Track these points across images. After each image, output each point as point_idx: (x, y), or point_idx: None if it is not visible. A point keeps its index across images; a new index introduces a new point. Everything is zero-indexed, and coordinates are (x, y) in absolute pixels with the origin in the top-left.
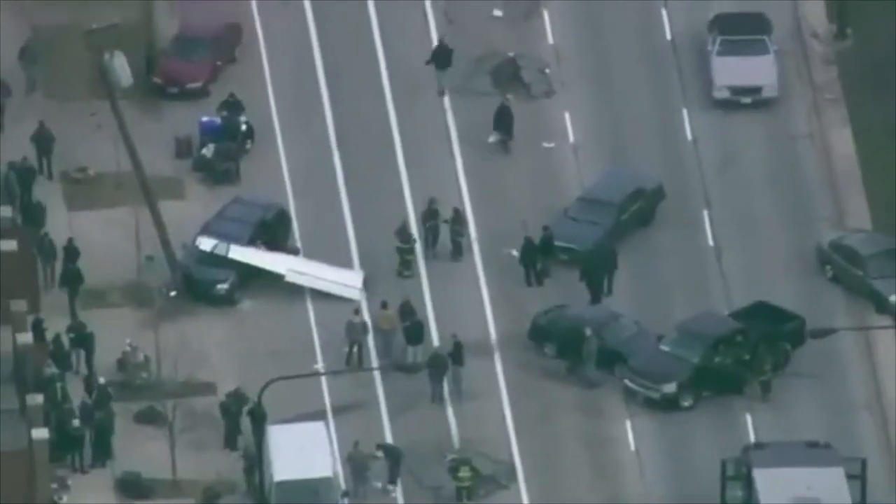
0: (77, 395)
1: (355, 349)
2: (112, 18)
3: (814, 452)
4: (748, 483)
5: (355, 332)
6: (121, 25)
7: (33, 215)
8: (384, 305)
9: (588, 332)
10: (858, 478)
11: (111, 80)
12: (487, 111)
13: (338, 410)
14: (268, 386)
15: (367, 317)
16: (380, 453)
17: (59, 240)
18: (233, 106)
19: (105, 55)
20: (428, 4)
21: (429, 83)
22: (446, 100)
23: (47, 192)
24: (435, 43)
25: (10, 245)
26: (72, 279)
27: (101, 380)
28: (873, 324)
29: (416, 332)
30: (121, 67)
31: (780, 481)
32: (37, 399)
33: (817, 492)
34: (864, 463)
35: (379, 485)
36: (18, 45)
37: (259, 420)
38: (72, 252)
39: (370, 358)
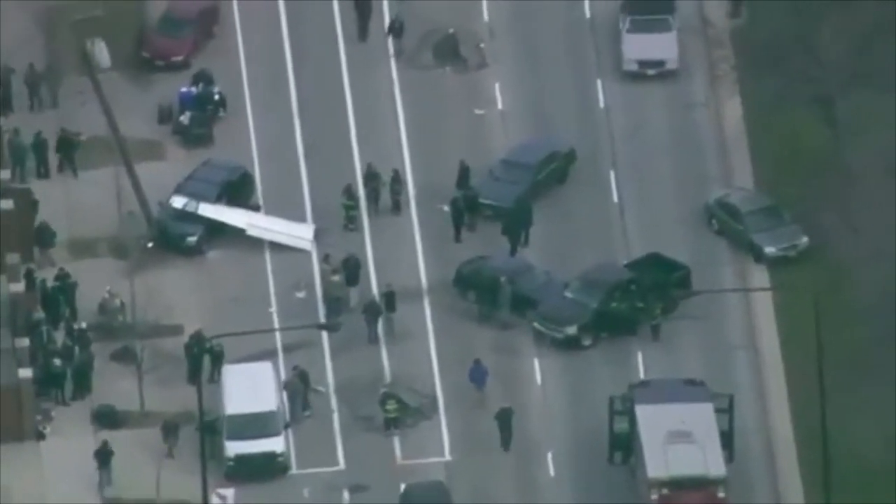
0: (60, 337)
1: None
2: (99, 7)
3: (689, 389)
4: (632, 417)
5: (334, 290)
6: (103, 15)
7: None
8: (326, 259)
9: (502, 280)
10: (727, 411)
11: (93, 63)
12: (430, 83)
13: (287, 349)
14: (223, 336)
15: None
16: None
17: (54, 197)
18: (204, 76)
19: (87, 42)
20: None
21: (381, 60)
22: (394, 74)
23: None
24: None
25: (8, 204)
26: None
27: (83, 324)
28: (752, 272)
29: (353, 276)
30: (100, 52)
31: (658, 416)
32: (23, 341)
33: (689, 425)
34: (731, 399)
35: (307, 413)
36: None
37: (216, 358)
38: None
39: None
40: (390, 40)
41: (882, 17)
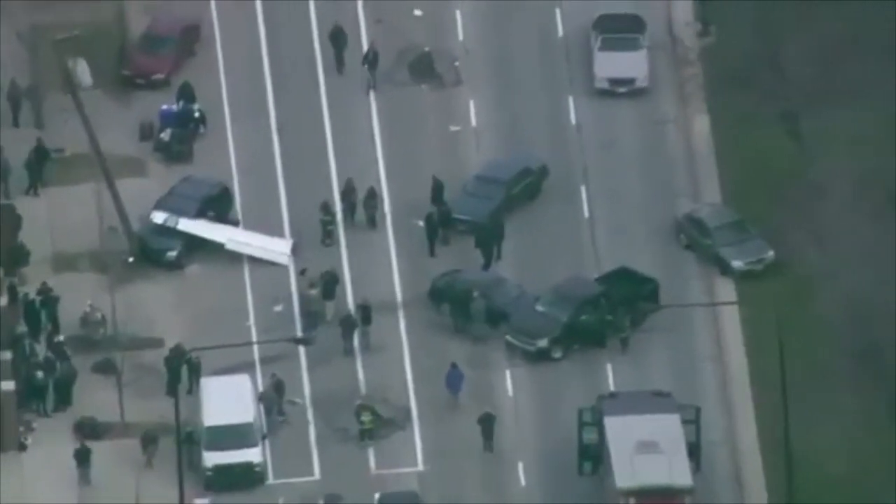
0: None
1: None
2: (80, 26)
3: (656, 401)
4: (601, 428)
5: (311, 303)
6: (83, 34)
7: None
8: (303, 273)
9: (475, 294)
10: (694, 422)
11: (74, 81)
12: (405, 100)
13: (264, 362)
14: (201, 349)
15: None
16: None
17: (37, 212)
18: (187, 92)
19: (69, 61)
20: (360, 6)
21: (358, 79)
22: (371, 93)
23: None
24: (366, 45)
25: None
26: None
27: (60, 337)
28: (719, 285)
29: (329, 290)
30: (82, 71)
31: (626, 427)
32: (5, 355)
33: (657, 436)
34: (698, 410)
35: (281, 418)
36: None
37: (194, 371)
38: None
39: (322, 318)
40: (366, 69)
41: (846, 37)
